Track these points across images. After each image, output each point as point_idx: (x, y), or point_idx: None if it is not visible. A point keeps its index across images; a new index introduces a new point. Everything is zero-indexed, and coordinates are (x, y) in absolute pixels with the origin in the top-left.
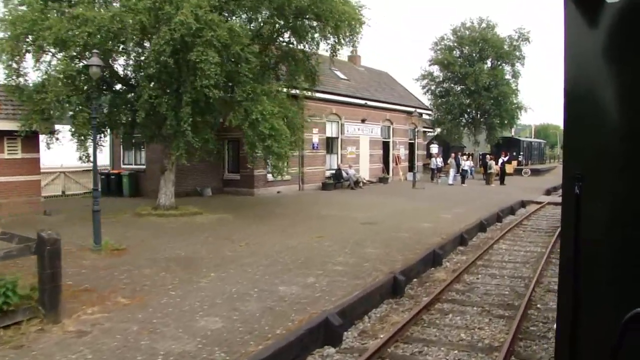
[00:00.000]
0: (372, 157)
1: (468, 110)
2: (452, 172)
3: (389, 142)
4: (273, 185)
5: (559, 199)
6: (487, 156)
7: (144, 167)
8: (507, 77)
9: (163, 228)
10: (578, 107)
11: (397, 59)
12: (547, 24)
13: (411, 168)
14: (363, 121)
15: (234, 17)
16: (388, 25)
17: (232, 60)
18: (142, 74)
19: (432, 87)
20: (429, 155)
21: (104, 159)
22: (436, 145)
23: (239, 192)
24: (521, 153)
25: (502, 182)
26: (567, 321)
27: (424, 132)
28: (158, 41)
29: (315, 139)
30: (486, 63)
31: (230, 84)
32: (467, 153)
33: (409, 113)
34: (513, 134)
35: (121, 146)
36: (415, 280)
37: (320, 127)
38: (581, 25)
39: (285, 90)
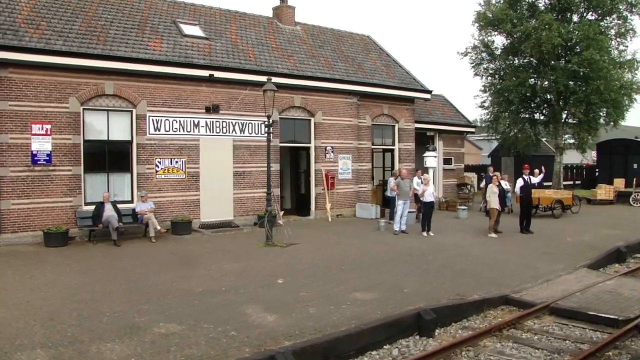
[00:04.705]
0: (242, 179)
1: (542, 96)
2: (399, 207)
3: (308, 147)
4: None
5: (610, 283)
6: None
7: None
8: (611, 37)
9: None
10: None
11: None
12: None
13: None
14: (211, 110)
15: None
16: None
17: None
18: None
19: (487, 65)
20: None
21: None
22: (432, 156)
23: None
24: None
25: (523, 227)
26: None
27: (460, 131)
28: None
29: (42, 145)
30: (568, 17)
31: None
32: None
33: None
34: None
35: None
36: None
37: (58, 120)
38: None
39: None
